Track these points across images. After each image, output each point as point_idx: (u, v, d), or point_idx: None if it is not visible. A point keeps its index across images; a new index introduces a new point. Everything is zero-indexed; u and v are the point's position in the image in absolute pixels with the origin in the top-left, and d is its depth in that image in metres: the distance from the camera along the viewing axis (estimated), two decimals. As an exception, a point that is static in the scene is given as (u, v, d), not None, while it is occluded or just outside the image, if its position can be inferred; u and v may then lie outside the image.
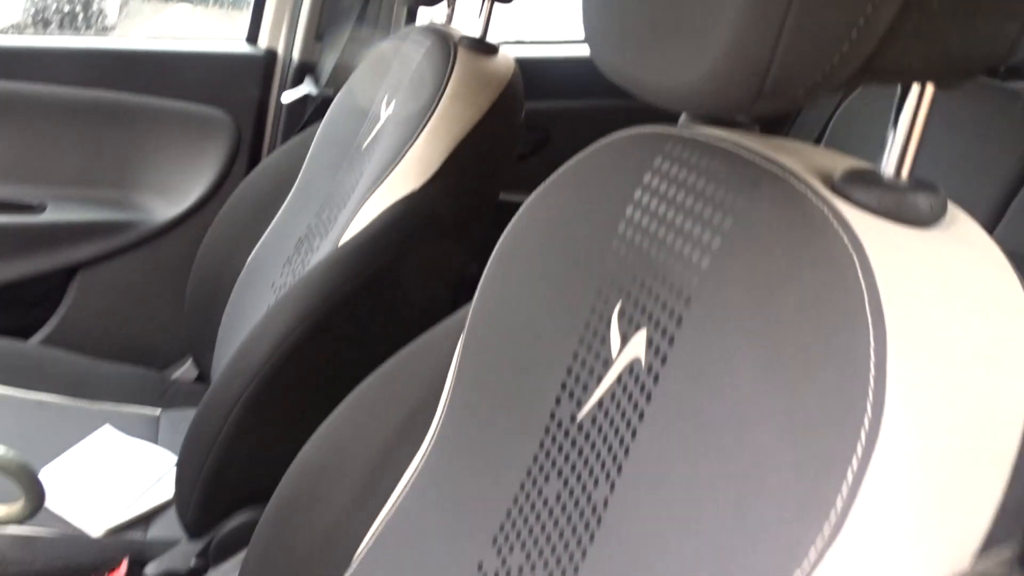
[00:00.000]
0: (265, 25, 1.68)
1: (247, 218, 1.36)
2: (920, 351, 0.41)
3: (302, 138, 1.38)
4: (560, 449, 0.59)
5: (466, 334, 0.71)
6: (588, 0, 0.54)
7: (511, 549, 0.60)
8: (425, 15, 1.71)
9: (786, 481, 0.42)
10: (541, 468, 0.60)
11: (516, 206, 0.70)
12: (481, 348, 0.69)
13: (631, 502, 0.51)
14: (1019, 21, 0.45)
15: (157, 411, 1.31)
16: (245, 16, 1.71)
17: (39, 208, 1.54)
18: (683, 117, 0.64)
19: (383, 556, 0.71)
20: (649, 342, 0.54)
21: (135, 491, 1.11)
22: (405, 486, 0.71)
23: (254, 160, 1.68)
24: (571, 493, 0.56)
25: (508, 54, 1.18)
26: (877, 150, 0.50)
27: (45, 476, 0.97)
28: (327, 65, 1.64)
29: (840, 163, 0.51)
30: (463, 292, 0.81)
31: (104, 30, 2.46)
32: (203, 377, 1.45)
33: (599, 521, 0.53)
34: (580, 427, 0.57)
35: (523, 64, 1.19)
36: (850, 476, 0.40)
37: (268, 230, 1.33)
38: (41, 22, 2.24)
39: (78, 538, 1.03)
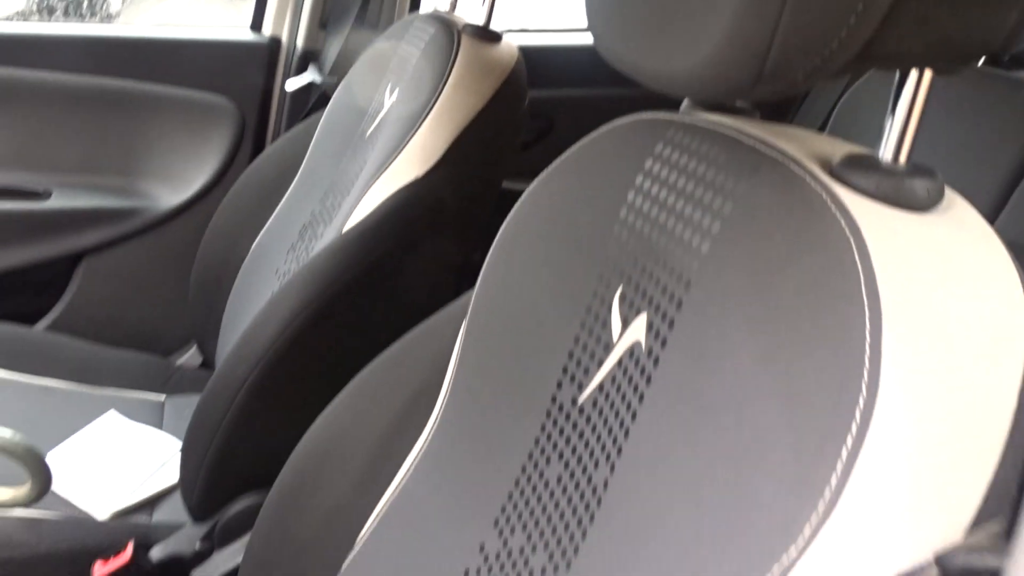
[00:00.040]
0: (269, 13, 1.68)
1: (251, 205, 1.37)
2: (915, 332, 0.42)
3: (306, 126, 1.38)
4: (561, 432, 0.59)
5: (469, 319, 0.71)
6: None
7: (512, 531, 0.60)
8: (429, 3, 1.71)
9: (783, 460, 0.43)
10: (543, 451, 0.60)
11: (519, 194, 0.71)
12: (484, 333, 0.70)
13: (631, 483, 0.52)
14: (1018, 9, 0.46)
15: (162, 397, 1.32)
16: (249, 4, 1.71)
17: (44, 195, 1.55)
18: (685, 104, 0.65)
19: (386, 539, 0.71)
20: (649, 326, 0.54)
21: (140, 475, 1.12)
22: (408, 470, 0.72)
23: (258, 148, 1.68)
24: (572, 475, 0.57)
25: (512, 42, 1.18)
26: (879, 140, 0.51)
27: (51, 460, 0.98)
28: (331, 53, 1.64)
29: (839, 149, 0.52)
30: (466, 279, 0.81)
31: (108, 17, 2.46)
32: (207, 364, 1.46)
33: (599, 502, 0.54)
34: (581, 410, 0.58)
35: (527, 52, 1.19)
36: (844, 454, 0.41)
37: (272, 217, 1.33)
38: (46, 9, 2.24)
39: (84, 521, 1.04)
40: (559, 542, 0.56)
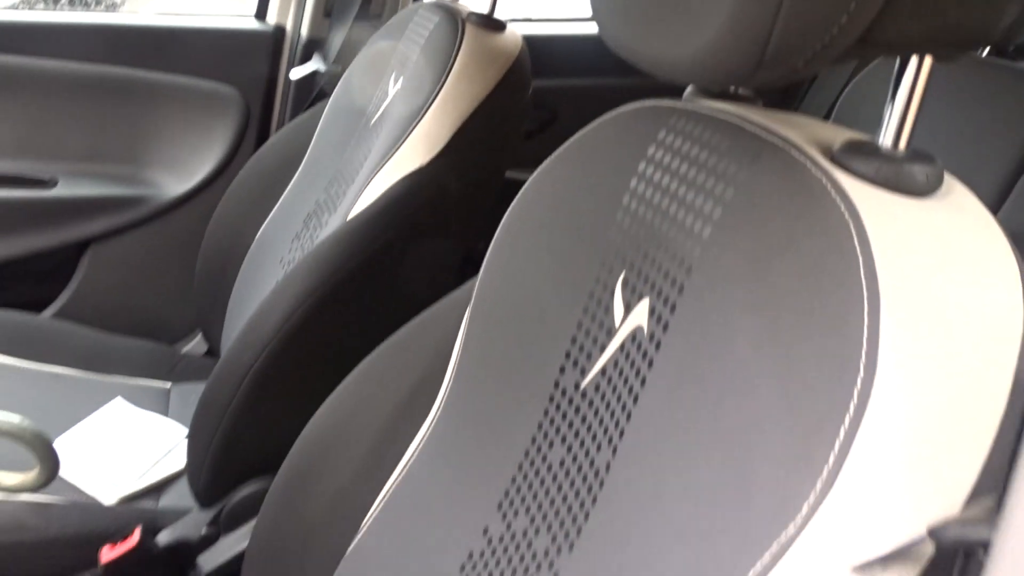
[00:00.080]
0: (274, 1, 1.69)
1: (256, 194, 1.37)
2: (913, 315, 0.42)
3: (311, 114, 1.38)
4: (564, 416, 0.60)
5: (472, 306, 0.72)
6: None
7: (516, 514, 0.61)
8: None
9: (781, 440, 0.43)
10: (546, 435, 0.61)
11: (523, 184, 0.71)
12: (487, 319, 0.70)
13: (632, 465, 0.53)
14: None
15: (167, 384, 1.33)
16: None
17: (50, 183, 1.56)
18: (688, 92, 0.65)
19: (390, 523, 0.72)
20: (651, 310, 0.55)
21: (147, 461, 1.13)
22: (412, 455, 0.73)
23: (263, 136, 1.69)
24: (575, 459, 0.58)
25: (516, 31, 1.18)
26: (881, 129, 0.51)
27: (59, 446, 0.99)
28: (336, 42, 1.64)
29: (840, 135, 0.52)
30: (470, 266, 0.82)
31: (113, 6, 2.46)
32: (212, 351, 1.46)
33: (602, 484, 0.55)
34: (584, 394, 0.59)
35: (531, 41, 1.19)
36: (842, 434, 0.41)
37: (277, 206, 1.34)
38: (51, -2, 2.24)
39: (91, 506, 1.05)
40: (562, 524, 0.57)
